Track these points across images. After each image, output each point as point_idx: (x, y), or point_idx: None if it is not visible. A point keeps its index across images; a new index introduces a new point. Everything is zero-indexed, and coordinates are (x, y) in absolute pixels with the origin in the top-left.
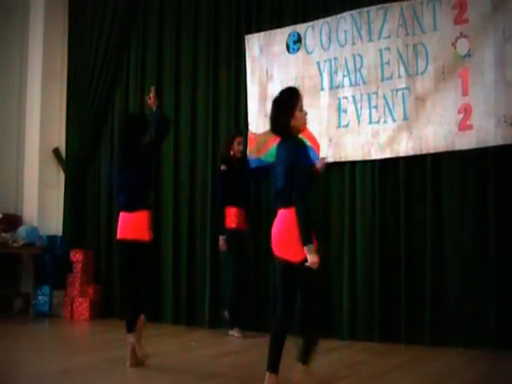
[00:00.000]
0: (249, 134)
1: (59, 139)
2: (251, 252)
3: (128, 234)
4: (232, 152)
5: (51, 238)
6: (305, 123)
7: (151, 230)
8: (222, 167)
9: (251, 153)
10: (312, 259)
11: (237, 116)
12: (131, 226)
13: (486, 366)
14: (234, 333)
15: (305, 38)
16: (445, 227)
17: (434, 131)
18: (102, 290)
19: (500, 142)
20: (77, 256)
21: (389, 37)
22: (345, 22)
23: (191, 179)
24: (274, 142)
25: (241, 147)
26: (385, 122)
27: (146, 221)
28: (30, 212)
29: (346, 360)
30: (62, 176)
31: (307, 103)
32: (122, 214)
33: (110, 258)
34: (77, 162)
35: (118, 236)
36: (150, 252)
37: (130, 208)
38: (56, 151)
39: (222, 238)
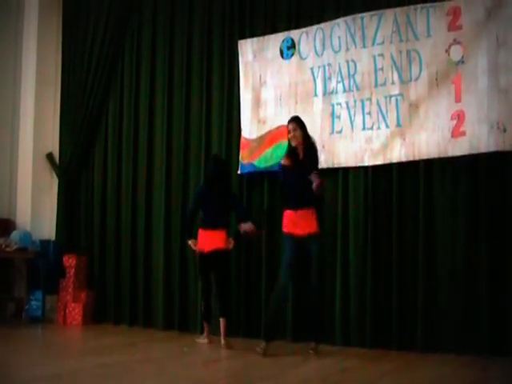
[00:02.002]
0: (241, 139)
1: (53, 144)
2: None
3: (211, 245)
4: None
5: (44, 243)
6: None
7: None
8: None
9: (244, 158)
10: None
11: (230, 121)
12: (214, 239)
13: (477, 373)
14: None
15: (299, 44)
16: (437, 234)
17: (427, 138)
18: (95, 295)
19: (493, 148)
20: (70, 261)
21: (382, 43)
22: (339, 28)
23: (184, 185)
24: (267, 148)
25: None
26: (378, 128)
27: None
28: (23, 217)
29: (338, 365)
30: (56, 181)
31: (300, 109)
32: (205, 231)
33: (104, 263)
34: (70, 168)
35: (206, 249)
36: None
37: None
38: (50, 156)
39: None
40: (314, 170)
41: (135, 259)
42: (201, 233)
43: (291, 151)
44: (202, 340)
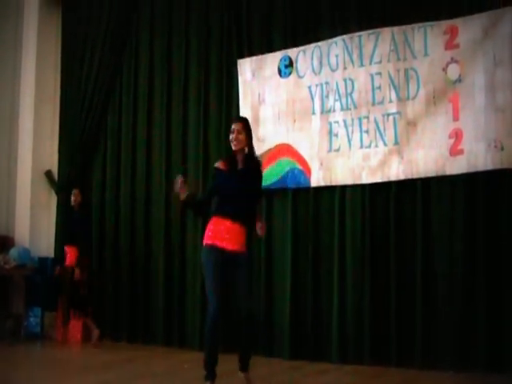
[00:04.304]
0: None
1: (51, 161)
2: None
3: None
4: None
5: (43, 260)
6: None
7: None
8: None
9: None
10: None
11: (228, 140)
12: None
13: None
14: None
15: (296, 62)
16: (435, 252)
17: (425, 155)
18: (94, 312)
19: (490, 166)
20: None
21: (380, 62)
22: (336, 46)
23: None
24: (266, 166)
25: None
26: (376, 146)
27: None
28: (21, 233)
29: (336, 383)
30: (54, 198)
31: (298, 126)
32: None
33: (103, 279)
34: (69, 185)
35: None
36: None
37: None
38: (48, 173)
39: None
40: (257, 193)
41: (134, 276)
42: None
43: (229, 156)
44: None
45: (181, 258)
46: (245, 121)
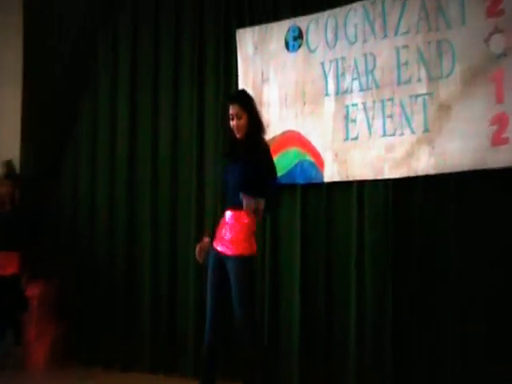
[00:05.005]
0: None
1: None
2: None
3: None
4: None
5: None
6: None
7: None
8: None
9: None
10: None
11: (226, 127)
12: None
13: None
14: None
15: (307, 34)
16: (471, 262)
17: (461, 146)
18: (64, 331)
19: None
20: (33, 290)
21: (407, 32)
22: (355, 14)
23: (172, 201)
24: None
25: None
26: (401, 134)
27: None
28: None
29: None
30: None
31: (309, 111)
32: None
33: (76, 291)
34: (34, 179)
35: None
36: None
37: None
38: (8, 164)
39: None
40: (257, 185)
41: (114, 287)
42: None
43: (231, 142)
44: None
45: (170, 268)
46: (241, 99)
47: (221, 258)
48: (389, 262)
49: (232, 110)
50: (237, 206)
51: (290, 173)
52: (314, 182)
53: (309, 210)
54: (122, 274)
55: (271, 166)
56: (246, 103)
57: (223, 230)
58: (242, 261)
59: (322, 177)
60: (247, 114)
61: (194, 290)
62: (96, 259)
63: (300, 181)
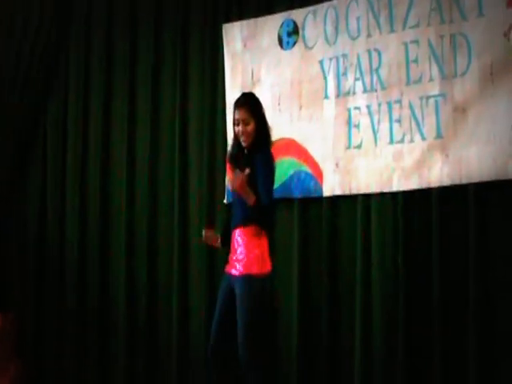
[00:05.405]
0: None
1: None
2: None
3: None
4: None
5: None
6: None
7: None
8: None
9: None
10: None
11: (212, 133)
12: None
13: None
14: None
15: (303, 29)
16: (494, 285)
17: (479, 153)
18: (27, 368)
19: None
20: None
21: (417, 25)
22: (357, 5)
23: (151, 217)
24: None
25: None
26: (411, 140)
27: None
28: None
29: None
30: None
31: (306, 115)
32: None
33: (41, 323)
34: None
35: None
36: None
37: None
38: None
39: None
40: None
41: (85, 317)
42: None
43: (235, 150)
44: None
45: (149, 296)
46: (251, 103)
47: (230, 283)
48: (400, 285)
49: (239, 114)
50: (246, 220)
51: (285, 186)
52: (313, 196)
53: (308, 228)
54: (94, 303)
55: (268, 188)
56: (256, 108)
57: (235, 250)
58: (249, 281)
59: (321, 190)
60: (256, 121)
61: (177, 331)
62: (64, 287)
63: (297, 195)
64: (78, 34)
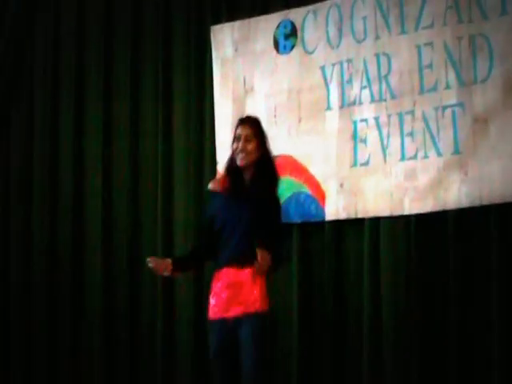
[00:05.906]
0: (217, 175)
1: None
2: None
3: None
4: None
5: None
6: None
7: None
8: None
9: None
10: None
11: (199, 148)
12: None
13: None
14: None
15: (302, 30)
16: None
17: (503, 170)
18: None
19: None
20: None
21: (431, 26)
22: (363, 4)
23: (131, 245)
24: None
25: None
26: (425, 156)
27: None
28: None
29: None
30: None
31: (306, 129)
32: None
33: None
34: None
35: None
36: None
37: None
38: None
39: None
40: (269, 225)
41: (55, 342)
42: None
43: (231, 170)
44: None
45: (131, 322)
46: (256, 123)
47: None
48: (414, 321)
49: (242, 130)
50: (241, 258)
51: (283, 209)
52: (314, 220)
53: (309, 256)
54: (68, 331)
55: (278, 210)
56: (260, 129)
57: (226, 293)
58: (258, 319)
59: (323, 214)
60: (258, 141)
61: (161, 360)
62: (31, 310)
63: (296, 219)
64: (46, 37)
